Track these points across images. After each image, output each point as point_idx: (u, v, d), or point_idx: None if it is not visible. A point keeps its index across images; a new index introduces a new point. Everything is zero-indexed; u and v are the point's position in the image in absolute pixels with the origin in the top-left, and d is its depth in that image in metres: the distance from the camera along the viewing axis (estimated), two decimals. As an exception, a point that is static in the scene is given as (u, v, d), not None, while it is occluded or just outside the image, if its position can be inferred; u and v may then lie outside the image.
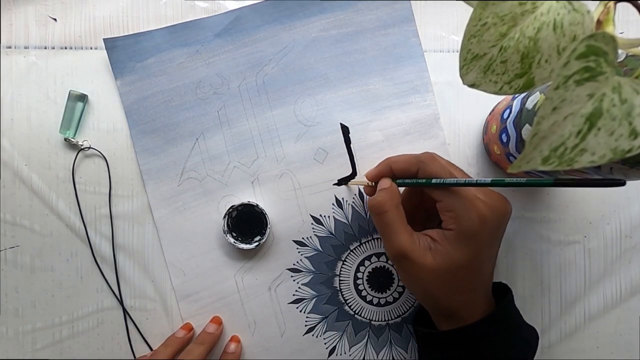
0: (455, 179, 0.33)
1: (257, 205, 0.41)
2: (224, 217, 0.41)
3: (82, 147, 0.42)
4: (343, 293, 0.43)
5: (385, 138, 0.43)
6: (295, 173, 0.42)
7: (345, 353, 0.43)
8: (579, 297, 0.43)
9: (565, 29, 0.21)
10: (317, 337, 0.43)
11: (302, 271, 0.43)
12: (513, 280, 0.43)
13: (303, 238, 0.43)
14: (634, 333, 0.43)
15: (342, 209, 0.43)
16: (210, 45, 0.42)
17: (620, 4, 0.23)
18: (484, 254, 0.34)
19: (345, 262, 0.43)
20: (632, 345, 0.43)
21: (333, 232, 0.43)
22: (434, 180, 0.34)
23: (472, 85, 0.22)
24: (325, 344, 0.43)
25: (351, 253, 0.43)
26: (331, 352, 0.43)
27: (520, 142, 0.35)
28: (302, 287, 0.43)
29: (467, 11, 0.43)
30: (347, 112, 0.43)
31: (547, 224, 0.43)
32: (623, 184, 0.24)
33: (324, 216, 0.43)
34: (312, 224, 0.43)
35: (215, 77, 0.42)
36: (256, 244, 0.41)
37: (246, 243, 0.41)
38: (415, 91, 0.43)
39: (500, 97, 0.42)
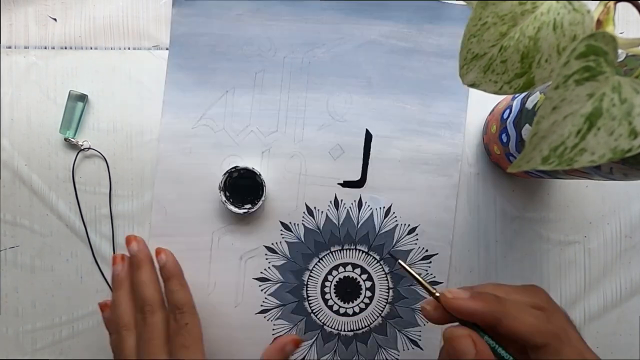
0: None
1: (260, 175, 0.40)
2: (225, 174, 0.40)
3: (82, 148, 0.42)
4: (309, 289, 0.43)
5: (402, 158, 0.43)
6: (307, 159, 0.42)
7: None
8: (579, 297, 0.43)
9: (565, 29, 0.21)
10: (268, 320, 0.42)
11: (278, 254, 0.42)
12: (513, 280, 0.43)
13: (290, 222, 0.42)
14: (634, 333, 0.43)
15: (337, 210, 0.43)
16: (273, 8, 0.42)
17: (620, 4, 0.23)
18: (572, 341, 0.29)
19: (320, 261, 0.43)
20: (632, 345, 0.43)
21: (320, 228, 0.42)
22: None
23: (472, 85, 0.22)
24: (273, 329, 0.42)
25: (325, 258, 0.43)
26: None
27: (520, 142, 0.35)
28: (271, 268, 0.42)
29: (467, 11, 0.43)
30: (376, 121, 0.43)
31: (547, 223, 0.43)
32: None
33: (318, 209, 0.42)
34: (304, 212, 0.42)
35: (266, 40, 0.42)
36: (244, 210, 0.40)
37: (235, 206, 0.41)
38: (447, 127, 0.43)
39: (500, 97, 0.42)
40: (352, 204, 0.43)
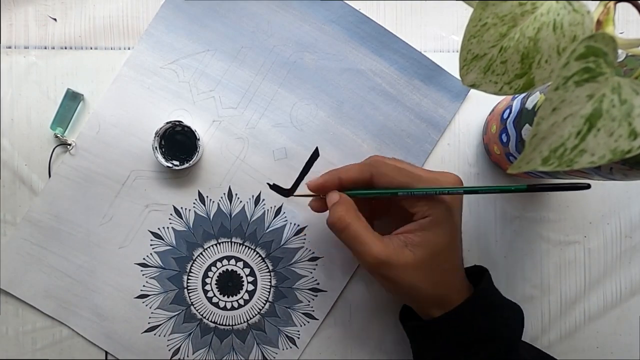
0: (424, 189, 0.34)
1: (200, 139, 0.40)
2: (167, 123, 0.40)
3: (66, 143, 0.41)
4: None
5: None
6: (251, 147, 0.42)
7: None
8: (579, 297, 0.43)
9: (565, 30, 0.21)
10: (144, 276, 0.42)
11: (182, 218, 0.42)
12: (513, 280, 0.43)
13: (207, 196, 0.42)
14: (634, 333, 0.43)
15: (256, 207, 0.42)
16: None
17: (620, 4, 0.23)
18: (459, 231, 0.36)
19: (206, 251, 0.42)
20: (632, 345, 0.43)
21: (230, 215, 0.42)
22: (400, 192, 0.34)
23: (472, 86, 0.22)
24: (144, 286, 0.42)
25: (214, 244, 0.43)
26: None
27: (520, 142, 0.35)
28: (168, 230, 0.42)
29: (467, 11, 0.43)
30: (329, 145, 0.42)
31: (547, 224, 0.43)
32: (587, 187, 0.27)
33: (237, 196, 0.42)
34: (224, 194, 0.42)
35: (265, 23, 0.42)
36: (170, 165, 0.40)
37: (164, 157, 0.40)
38: None
39: (500, 97, 0.42)
40: (271, 207, 0.42)
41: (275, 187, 0.41)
